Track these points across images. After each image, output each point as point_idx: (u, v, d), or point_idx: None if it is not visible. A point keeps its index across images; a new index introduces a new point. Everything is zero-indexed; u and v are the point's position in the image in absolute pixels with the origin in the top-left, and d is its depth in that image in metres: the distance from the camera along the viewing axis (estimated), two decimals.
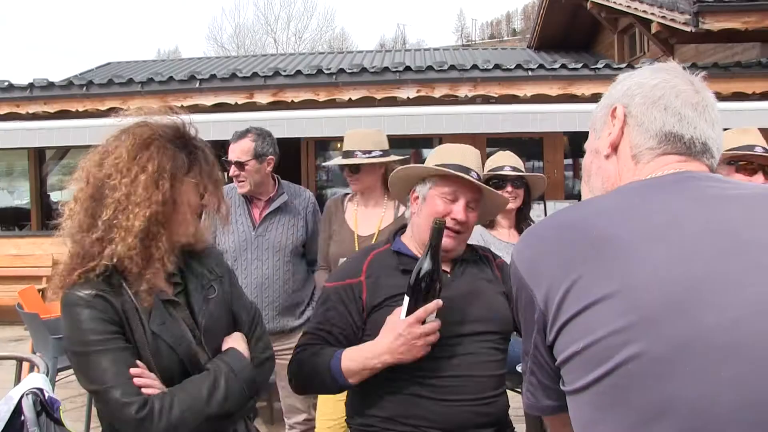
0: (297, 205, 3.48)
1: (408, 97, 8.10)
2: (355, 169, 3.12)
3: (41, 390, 1.80)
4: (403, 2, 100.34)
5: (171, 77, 8.45)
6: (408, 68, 8.18)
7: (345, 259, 2.77)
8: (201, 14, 73.50)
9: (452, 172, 2.01)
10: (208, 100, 8.25)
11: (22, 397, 1.75)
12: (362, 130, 3.19)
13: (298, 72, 8.25)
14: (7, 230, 10.02)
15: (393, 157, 3.17)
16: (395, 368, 1.87)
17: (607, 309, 0.97)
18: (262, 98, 8.23)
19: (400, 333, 1.80)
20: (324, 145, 9.68)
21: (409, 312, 1.82)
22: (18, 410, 1.73)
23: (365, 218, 3.17)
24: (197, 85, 8.29)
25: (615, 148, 1.20)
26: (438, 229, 1.82)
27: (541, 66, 8.38)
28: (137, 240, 1.55)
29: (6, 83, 8.66)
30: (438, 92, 8.11)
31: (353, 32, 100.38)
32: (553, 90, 8.06)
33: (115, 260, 1.55)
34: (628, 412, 0.95)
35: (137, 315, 1.59)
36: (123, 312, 1.57)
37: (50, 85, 8.68)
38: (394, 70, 8.17)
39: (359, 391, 1.99)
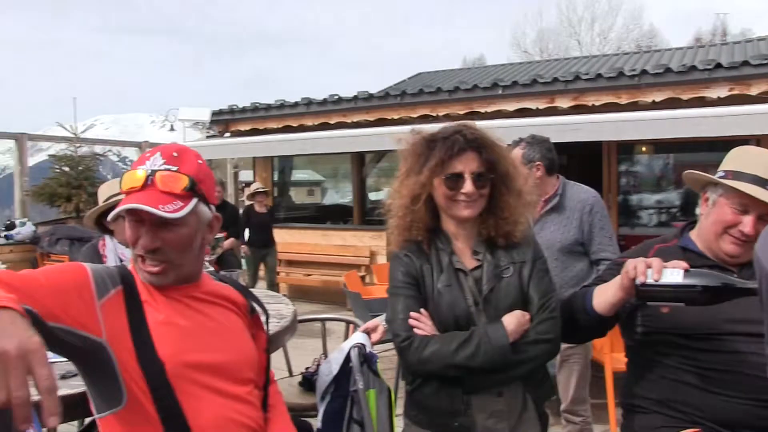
0: (573, 205, 3.56)
1: (718, 97, 7.58)
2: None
3: (363, 345, 2.24)
4: None
5: (475, 85, 8.95)
6: (719, 65, 7.63)
7: None
8: (504, 21, 74.88)
9: (744, 187, 1.93)
10: (511, 106, 8.59)
11: (350, 349, 2.21)
12: None
13: (599, 75, 8.19)
14: (334, 224, 11.43)
15: None
16: (667, 353, 1.96)
17: None
18: (563, 103, 8.34)
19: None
20: (627, 149, 9.39)
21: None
22: (347, 358, 2.20)
23: None
24: (500, 91, 8.68)
25: None
26: None
27: None
28: (428, 216, 2.05)
29: (336, 97, 9.95)
30: (755, 89, 7.44)
31: (663, 28, 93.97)
32: None
33: (419, 237, 2.06)
34: None
35: (431, 275, 2.03)
36: (420, 270, 2.05)
37: (370, 96, 9.77)
38: (703, 68, 7.69)
39: (635, 373, 2.10)
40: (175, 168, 1.67)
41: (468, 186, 1.99)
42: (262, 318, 1.96)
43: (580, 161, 11.73)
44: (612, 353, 3.91)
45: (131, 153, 14.53)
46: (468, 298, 2.01)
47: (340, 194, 13.12)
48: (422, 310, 2.01)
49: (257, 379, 1.84)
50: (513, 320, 1.97)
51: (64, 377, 2.04)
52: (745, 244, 1.97)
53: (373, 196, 11.55)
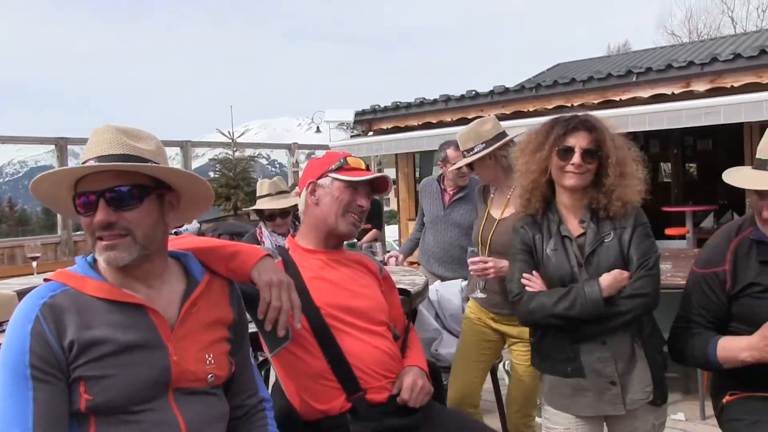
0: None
1: None
2: (470, 167, 3.33)
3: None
4: None
5: (609, 74, 8.96)
6: None
7: None
8: (650, 3, 70.95)
9: None
10: (645, 93, 8.51)
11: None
12: (461, 131, 3.26)
13: (737, 56, 7.97)
14: None
15: (493, 146, 3.13)
16: None
17: None
18: (699, 86, 8.21)
19: (764, 335, 2.13)
20: None
21: None
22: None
23: (497, 203, 3.27)
24: (634, 79, 8.64)
25: None
26: None
27: None
28: (548, 189, 2.49)
29: (473, 92, 10.34)
30: None
31: None
32: None
33: (535, 209, 2.50)
34: None
35: (542, 242, 2.45)
36: (533, 238, 2.48)
37: (506, 90, 10.03)
38: None
39: None
40: None
41: (576, 158, 2.34)
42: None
43: (725, 144, 11.42)
44: None
45: (280, 155, 15.55)
46: (572, 260, 2.39)
47: None
48: (534, 272, 2.43)
49: (389, 322, 2.38)
50: (609, 278, 2.29)
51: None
52: None
53: None
